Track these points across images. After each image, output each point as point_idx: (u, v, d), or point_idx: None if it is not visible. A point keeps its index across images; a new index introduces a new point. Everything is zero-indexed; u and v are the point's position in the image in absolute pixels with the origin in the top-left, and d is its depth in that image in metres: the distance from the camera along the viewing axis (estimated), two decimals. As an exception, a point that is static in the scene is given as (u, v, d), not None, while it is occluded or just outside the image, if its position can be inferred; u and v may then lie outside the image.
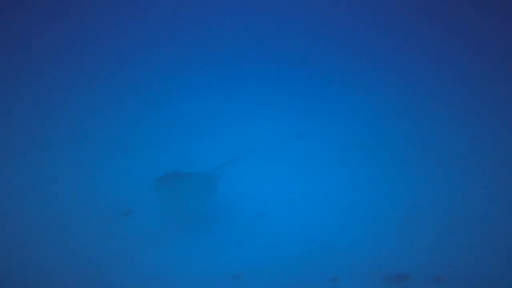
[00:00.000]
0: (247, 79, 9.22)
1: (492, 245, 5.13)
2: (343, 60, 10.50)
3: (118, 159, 6.33)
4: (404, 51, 11.37)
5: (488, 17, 12.49)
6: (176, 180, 5.00)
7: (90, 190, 5.63)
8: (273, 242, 5.16)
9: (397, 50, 11.44)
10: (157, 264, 4.73)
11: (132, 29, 11.96)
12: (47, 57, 9.85)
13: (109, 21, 12.35)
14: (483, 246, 5.14)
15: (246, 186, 6.04)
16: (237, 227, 5.32)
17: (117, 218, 5.22)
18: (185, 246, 4.97)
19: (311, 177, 6.30)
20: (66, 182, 5.64)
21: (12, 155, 6.07)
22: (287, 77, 9.44)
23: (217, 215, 5.45)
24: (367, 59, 10.81)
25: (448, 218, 5.72)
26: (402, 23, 13.02)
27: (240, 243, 5.09)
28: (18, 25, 10.47)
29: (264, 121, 7.64)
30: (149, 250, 4.87)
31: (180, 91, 8.64)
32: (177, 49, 10.79)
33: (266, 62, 10.14)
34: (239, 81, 9.14)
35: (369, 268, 4.93)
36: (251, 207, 5.66)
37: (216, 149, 6.79)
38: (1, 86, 8.12)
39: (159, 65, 9.97)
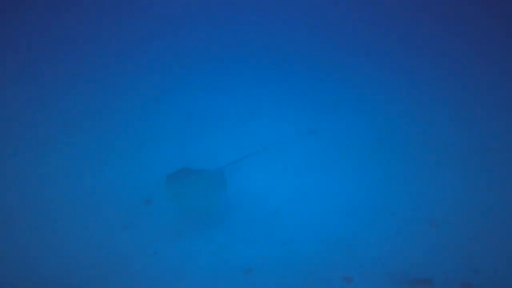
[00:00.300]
0: (264, 75, 9.22)
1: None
2: (363, 58, 10.30)
3: (139, 151, 6.50)
4: (427, 49, 11.00)
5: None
6: (186, 177, 5.08)
7: (112, 179, 5.80)
8: (286, 238, 5.06)
9: (419, 48, 11.10)
10: (171, 255, 4.78)
11: (152, 22, 12.31)
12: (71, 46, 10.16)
13: (128, 14, 12.70)
14: (515, 253, 4.77)
15: (261, 182, 5.97)
16: (251, 223, 5.27)
17: (137, 207, 5.36)
18: (199, 238, 4.98)
19: (327, 175, 6.15)
20: (90, 172, 5.85)
21: (39, 145, 6.37)
22: (304, 73, 9.36)
23: (232, 210, 5.42)
24: (389, 57, 10.55)
25: (476, 222, 5.37)
26: (424, 23, 12.68)
27: (253, 238, 5.05)
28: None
29: (280, 117, 7.56)
30: (165, 240, 4.93)
31: (200, 85, 8.70)
32: (197, 43, 10.96)
33: (284, 58, 10.12)
34: (257, 77, 9.15)
35: (387, 271, 4.72)
36: (266, 203, 5.59)
37: (232, 143, 6.79)
38: (25, 79, 8.42)
39: (179, 58, 10.14)
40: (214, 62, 9.84)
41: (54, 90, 8.08)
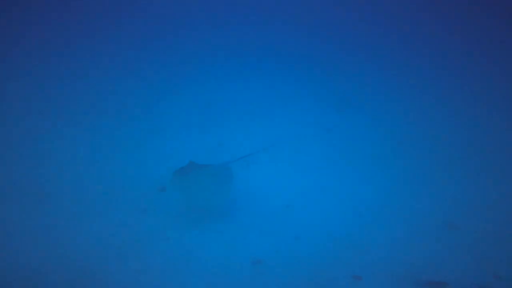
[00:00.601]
0: (286, 70, 9.24)
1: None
2: (382, 59, 10.14)
3: (157, 139, 6.66)
4: (452, 51, 10.67)
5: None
6: (191, 173, 5.12)
7: (131, 166, 5.97)
8: (296, 233, 5.02)
9: (442, 48, 10.80)
10: (183, 242, 4.86)
11: (175, 15, 12.61)
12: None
13: (154, 7, 13.01)
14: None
15: (275, 176, 5.98)
16: (263, 216, 5.27)
17: (153, 193, 5.49)
18: (210, 228, 5.03)
19: (342, 173, 6.06)
20: (110, 160, 6.06)
21: (62, 135, 6.57)
22: (326, 70, 9.31)
23: (244, 203, 5.46)
24: (414, 57, 10.33)
25: (496, 226, 5.12)
26: (444, 22, 12.37)
27: (264, 231, 5.04)
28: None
29: (299, 113, 7.56)
30: (178, 228, 5.02)
31: (222, 74, 8.92)
32: (222, 34, 11.17)
33: (303, 58, 10.13)
34: (279, 71, 9.19)
35: (399, 272, 4.57)
36: (278, 197, 5.58)
37: (249, 134, 6.88)
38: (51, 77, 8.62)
39: (201, 46, 10.38)
40: (242, 53, 10.00)
41: (84, 80, 8.38)
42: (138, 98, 7.88)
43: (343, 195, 5.70)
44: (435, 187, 5.85)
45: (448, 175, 6.06)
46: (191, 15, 12.92)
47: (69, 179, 5.66)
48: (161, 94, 8.07)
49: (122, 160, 6.07)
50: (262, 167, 6.15)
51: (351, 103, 8.05)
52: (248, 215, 5.30)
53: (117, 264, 4.51)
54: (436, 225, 5.21)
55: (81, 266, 4.43)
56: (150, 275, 4.44)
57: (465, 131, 7.22)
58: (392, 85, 8.97)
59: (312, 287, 4.39)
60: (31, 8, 12.02)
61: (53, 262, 4.45)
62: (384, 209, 5.46)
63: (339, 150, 6.61)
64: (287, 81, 8.97)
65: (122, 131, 6.79)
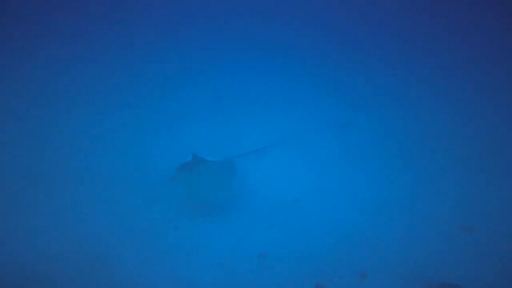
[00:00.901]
0: (299, 65, 9.15)
1: None
2: (407, 52, 9.90)
3: (168, 129, 6.76)
4: (477, 49, 10.29)
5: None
6: (200, 165, 5.15)
7: (144, 156, 6.08)
8: (304, 228, 4.98)
9: (465, 46, 10.45)
10: (191, 232, 4.93)
11: (190, 7, 12.69)
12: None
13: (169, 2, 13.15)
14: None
15: (285, 170, 5.97)
16: (271, 209, 5.27)
17: (164, 183, 5.58)
18: (218, 220, 5.08)
19: (355, 169, 5.95)
20: (123, 150, 6.18)
21: (79, 125, 6.71)
22: (339, 66, 9.17)
23: (253, 195, 5.47)
24: (431, 53, 10.04)
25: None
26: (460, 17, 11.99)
27: (271, 224, 5.04)
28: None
29: (312, 108, 7.48)
30: (187, 218, 5.10)
31: (235, 68, 8.94)
32: (237, 27, 11.17)
33: (321, 48, 10.01)
34: (292, 66, 9.11)
35: (409, 272, 4.47)
36: (288, 191, 5.56)
37: (260, 128, 6.88)
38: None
39: (217, 39, 10.43)
40: (256, 47, 9.98)
41: (99, 71, 8.56)
42: (152, 90, 8.00)
43: (354, 192, 5.61)
44: (450, 187, 5.66)
45: (465, 175, 5.85)
46: (206, 7, 12.96)
47: (84, 167, 5.82)
48: (174, 86, 8.18)
49: (135, 150, 6.20)
50: (273, 161, 6.13)
51: (364, 99, 7.90)
52: (256, 208, 5.31)
53: (127, 251, 4.63)
54: (449, 226, 5.05)
55: (94, 251, 4.57)
56: (159, 262, 4.53)
57: (484, 130, 6.95)
58: (409, 82, 8.73)
59: (317, 282, 4.37)
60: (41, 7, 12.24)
61: (67, 247, 4.60)
62: (395, 208, 5.34)
63: (351, 146, 6.50)
64: (299, 76, 8.89)
65: (137, 123, 6.92)
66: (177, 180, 5.39)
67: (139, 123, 6.86)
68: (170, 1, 13.17)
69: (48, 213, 5.01)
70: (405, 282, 4.38)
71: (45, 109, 7.07)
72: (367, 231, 5.00)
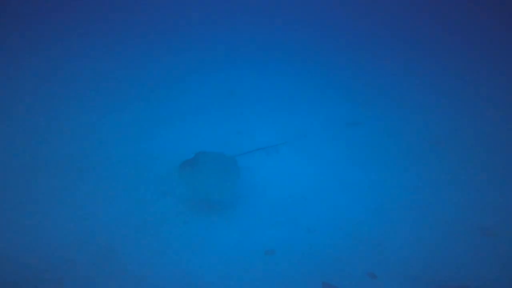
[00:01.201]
0: (312, 63, 9.05)
1: None
2: (421, 53, 9.61)
3: (179, 123, 6.84)
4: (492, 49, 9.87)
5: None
6: (207, 160, 5.16)
7: (155, 149, 6.16)
8: (312, 225, 4.92)
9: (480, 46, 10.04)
10: (199, 227, 4.94)
11: (201, 2, 12.80)
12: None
13: None
14: None
15: (294, 167, 5.91)
16: (279, 206, 5.23)
17: (174, 177, 5.62)
18: (226, 216, 5.09)
19: (364, 169, 5.81)
20: (135, 143, 6.31)
21: (86, 118, 6.88)
22: (350, 64, 9.00)
23: (261, 192, 5.45)
24: (442, 51, 9.69)
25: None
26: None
27: (279, 221, 4.99)
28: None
29: (322, 106, 7.40)
30: (195, 212, 5.11)
31: (248, 64, 9.00)
32: (250, 23, 11.18)
33: (332, 47, 9.87)
34: (304, 65, 9.03)
35: (422, 275, 4.30)
36: (295, 189, 5.51)
37: (271, 125, 6.85)
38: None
39: (230, 34, 10.52)
40: (265, 49, 9.93)
41: (113, 64, 8.75)
42: (164, 84, 8.09)
43: (363, 192, 5.49)
44: (470, 189, 5.42)
45: (477, 175, 5.58)
46: (217, 2, 13.05)
47: (95, 159, 5.96)
48: (186, 80, 8.26)
49: (147, 143, 6.32)
50: (282, 157, 6.09)
51: (372, 98, 7.71)
52: (264, 205, 5.28)
53: (136, 243, 4.70)
54: (467, 230, 4.83)
55: (103, 242, 4.67)
56: (167, 256, 4.57)
57: (504, 131, 6.60)
58: (415, 82, 8.44)
59: (323, 281, 4.29)
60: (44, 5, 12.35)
61: (77, 237, 4.71)
62: (407, 209, 5.17)
63: (359, 145, 6.36)
64: (307, 76, 8.80)
65: (148, 117, 7.03)
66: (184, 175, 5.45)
67: (152, 116, 6.99)
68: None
69: (63, 206, 5.16)
70: (419, 286, 4.21)
71: (53, 104, 7.25)
72: (375, 231, 4.87)
